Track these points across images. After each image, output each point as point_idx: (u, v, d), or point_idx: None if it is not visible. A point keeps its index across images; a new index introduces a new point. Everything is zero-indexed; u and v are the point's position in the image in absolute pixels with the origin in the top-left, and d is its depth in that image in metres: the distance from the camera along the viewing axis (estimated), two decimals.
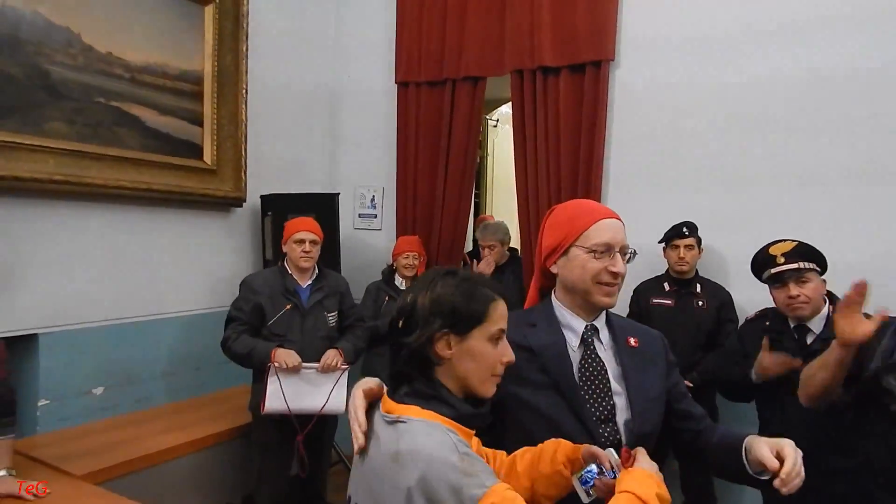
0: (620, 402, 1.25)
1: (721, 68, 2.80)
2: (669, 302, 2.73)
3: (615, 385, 1.26)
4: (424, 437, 0.96)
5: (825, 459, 1.80)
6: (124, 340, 2.76)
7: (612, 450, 1.10)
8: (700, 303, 2.69)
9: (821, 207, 2.59)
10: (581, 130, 3.03)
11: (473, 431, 1.07)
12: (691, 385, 2.51)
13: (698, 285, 2.73)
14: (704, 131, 2.84)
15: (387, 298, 3.23)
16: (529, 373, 1.24)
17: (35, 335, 2.45)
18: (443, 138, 3.48)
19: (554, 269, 1.31)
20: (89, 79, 2.56)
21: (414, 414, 1.00)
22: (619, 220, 1.29)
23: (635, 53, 2.99)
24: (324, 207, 3.30)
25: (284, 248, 2.66)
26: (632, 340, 1.32)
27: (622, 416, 1.24)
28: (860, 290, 1.61)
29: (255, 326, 2.57)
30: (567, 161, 3.07)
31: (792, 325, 2.08)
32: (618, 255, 1.24)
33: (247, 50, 3.19)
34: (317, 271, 2.70)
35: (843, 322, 1.64)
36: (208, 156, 3.08)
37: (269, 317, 2.56)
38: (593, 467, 1.06)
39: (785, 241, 2.07)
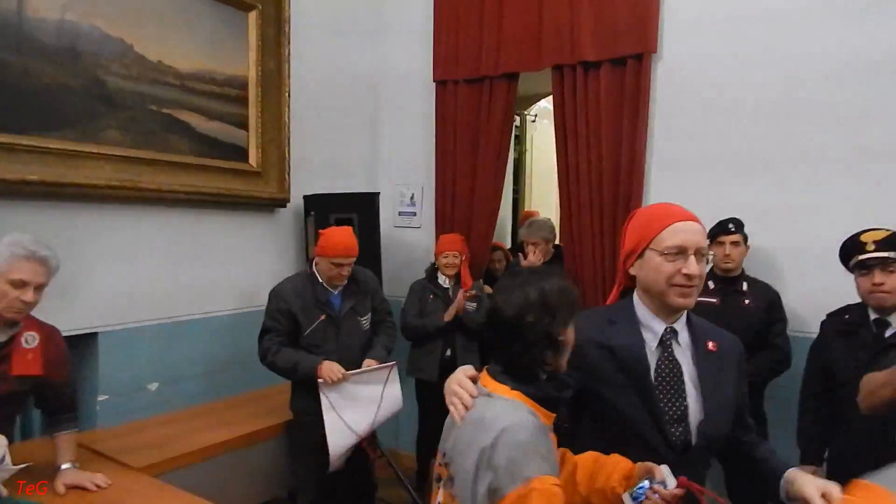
0: (693, 404, 1.28)
1: (768, 58, 2.71)
2: (715, 300, 2.64)
3: (689, 387, 1.29)
4: (507, 412, 1.12)
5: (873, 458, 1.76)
6: (176, 338, 2.87)
7: (666, 466, 1.12)
8: (747, 301, 2.61)
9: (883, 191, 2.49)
10: (623, 124, 2.99)
11: (553, 416, 1.16)
12: None
13: (744, 283, 2.65)
14: (751, 123, 2.76)
15: (431, 297, 3.26)
16: (607, 371, 1.29)
17: (95, 334, 2.58)
18: (481, 135, 3.48)
19: (632, 272, 1.35)
20: (142, 87, 2.66)
21: (504, 392, 1.17)
22: (698, 222, 1.30)
23: (678, 45, 2.92)
24: (365, 206, 3.36)
25: (316, 259, 2.59)
26: (710, 344, 1.35)
27: (695, 418, 1.27)
28: None
29: (292, 336, 2.57)
30: (609, 156, 3.03)
31: (872, 318, 2.05)
32: (692, 256, 1.24)
33: (288, 54, 3.26)
34: None
35: None
36: (253, 158, 3.17)
37: (303, 328, 2.55)
38: (645, 483, 1.08)
39: (878, 229, 2.05)
